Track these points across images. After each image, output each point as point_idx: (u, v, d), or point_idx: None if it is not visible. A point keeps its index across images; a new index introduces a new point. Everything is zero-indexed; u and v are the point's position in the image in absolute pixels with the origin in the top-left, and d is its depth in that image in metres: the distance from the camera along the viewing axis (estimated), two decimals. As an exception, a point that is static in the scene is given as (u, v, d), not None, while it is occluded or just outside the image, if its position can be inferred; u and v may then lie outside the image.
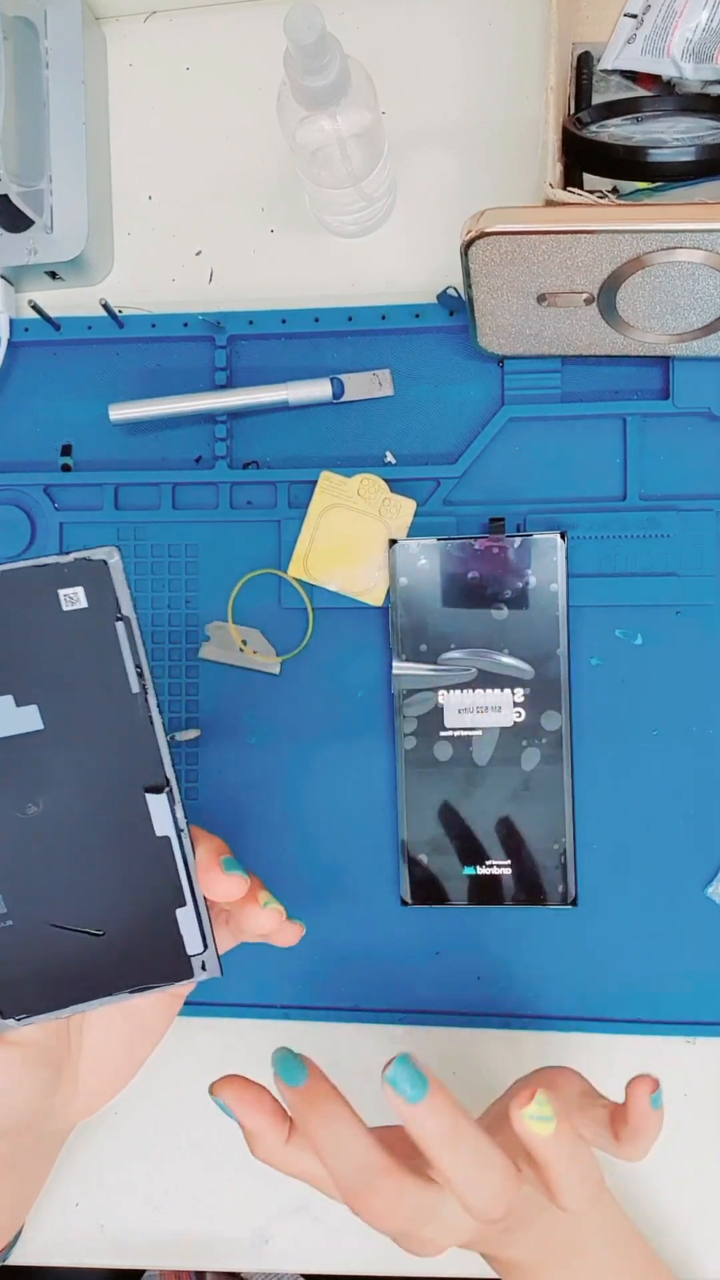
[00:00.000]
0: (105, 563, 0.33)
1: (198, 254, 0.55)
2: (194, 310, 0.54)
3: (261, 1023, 0.51)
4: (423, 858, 0.50)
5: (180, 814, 0.35)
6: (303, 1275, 0.60)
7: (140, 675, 0.34)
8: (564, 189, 0.44)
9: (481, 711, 0.49)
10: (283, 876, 0.51)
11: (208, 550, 0.53)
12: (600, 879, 0.50)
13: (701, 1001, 0.49)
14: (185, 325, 0.53)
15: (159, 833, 0.35)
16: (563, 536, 0.48)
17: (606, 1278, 0.41)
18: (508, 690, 0.49)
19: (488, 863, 0.49)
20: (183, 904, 0.35)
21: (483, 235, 0.41)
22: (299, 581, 0.52)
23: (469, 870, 0.49)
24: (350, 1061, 0.51)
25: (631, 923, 0.50)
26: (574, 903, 0.49)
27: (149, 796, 0.35)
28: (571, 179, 0.48)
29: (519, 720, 0.49)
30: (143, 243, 0.55)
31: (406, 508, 0.51)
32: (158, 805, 0.35)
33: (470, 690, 0.49)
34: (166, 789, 0.35)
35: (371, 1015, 0.50)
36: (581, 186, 0.48)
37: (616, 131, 0.47)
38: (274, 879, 0.51)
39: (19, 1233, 0.48)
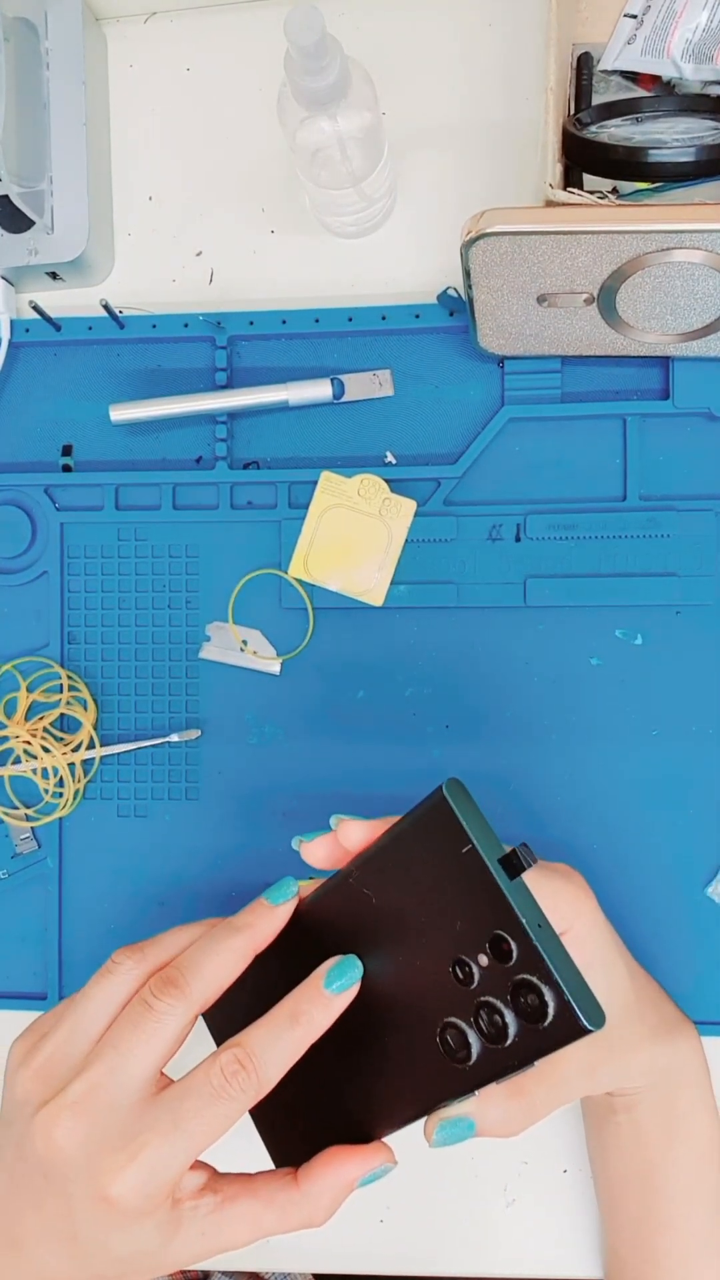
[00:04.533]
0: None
1: (198, 254, 0.55)
2: (194, 311, 0.54)
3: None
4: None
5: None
6: (312, 1275, 0.60)
7: None
8: (564, 189, 0.44)
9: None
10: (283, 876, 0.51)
11: (208, 550, 0.53)
12: (600, 878, 0.50)
13: (701, 1001, 0.49)
14: (186, 326, 0.53)
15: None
16: None
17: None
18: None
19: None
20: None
21: (483, 235, 0.41)
22: (299, 581, 0.52)
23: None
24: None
25: (631, 922, 0.50)
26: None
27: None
28: (571, 179, 0.48)
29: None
30: (143, 243, 0.55)
31: (406, 508, 0.51)
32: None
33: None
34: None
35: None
36: (581, 187, 0.48)
37: (616, 132, 0.47)
38: (274, 879, 0.51)
39: None
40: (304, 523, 0.51)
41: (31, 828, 0.53)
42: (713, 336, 0.47)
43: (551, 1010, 0.30)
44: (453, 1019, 0.33)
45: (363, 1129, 0.35)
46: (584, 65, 0.51)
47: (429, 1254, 0.50)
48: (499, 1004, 0.31)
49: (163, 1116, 0.32)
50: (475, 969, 0.32)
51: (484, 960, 0.32)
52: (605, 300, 0.44)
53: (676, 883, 0.50)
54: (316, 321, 0.52)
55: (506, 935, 0.31)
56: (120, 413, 0.52)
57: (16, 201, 0.50)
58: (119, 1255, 0.33)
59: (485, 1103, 0.34)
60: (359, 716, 0.52)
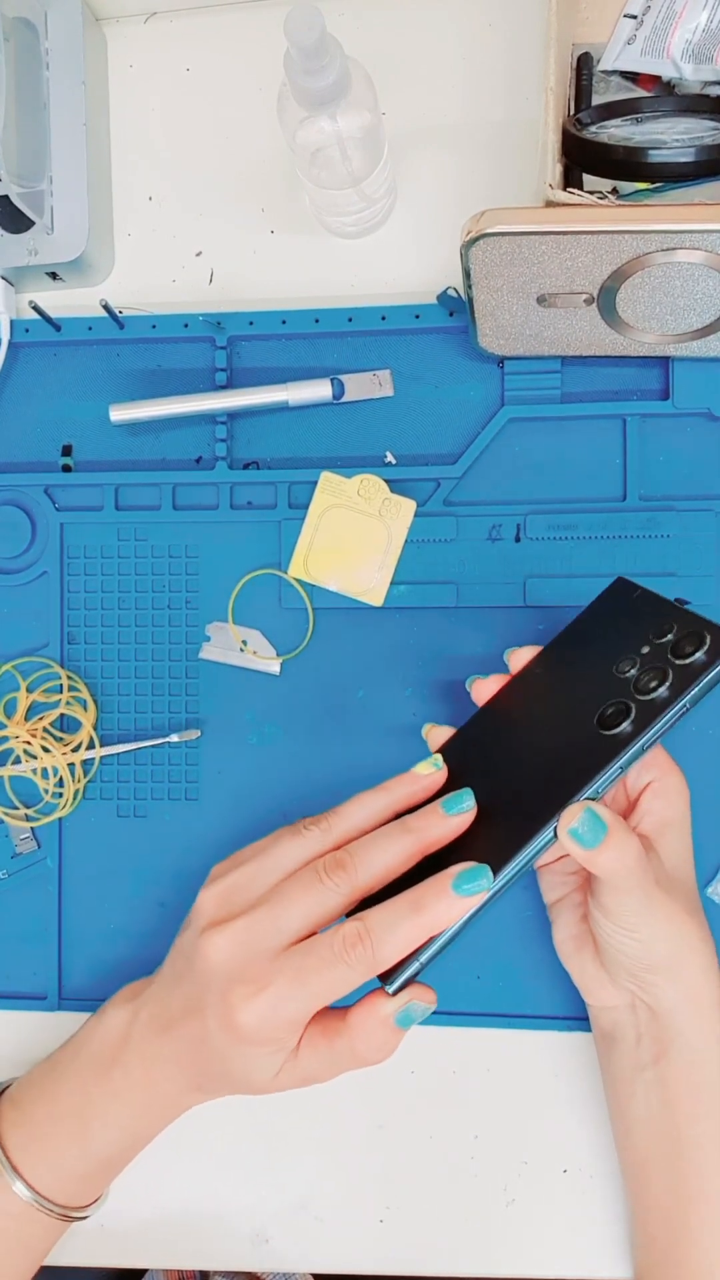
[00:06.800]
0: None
1: (198, 255, 0.55)
2: (194, 311, 0.54)
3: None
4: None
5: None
6: (312, 1275, 0.60)
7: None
8: (564, 190, 0.44)
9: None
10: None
11: (208, 550, 0.53)
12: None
13: (701, 1001, 0.49)
14: (185, 326, 0.53)
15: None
16: None
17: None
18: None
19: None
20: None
21: (483, 236, 0.41)
22: (299, 581, 0.52)
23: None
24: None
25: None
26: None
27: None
28: (571, 180, 0.49)
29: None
30: (143, 243, 0.56)
31: (406, 508, 0.51)
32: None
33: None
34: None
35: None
36: (581, 187, 0.48)
37: (616, 132, 0.47)
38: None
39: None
40: (304, 523, 0.51)
41: (31, 828, 0.53)
42: (713, 336, 0.47)
43: (709, 637, 0.37)
44: (613, 699, 0.38)
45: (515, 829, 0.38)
46: (584, 65, 0.51)
47: (429, 1254, 0.50)
48: (659, 663, 0.38)
49: (289, 966, 0.37)
50: (636, 659, 0.39)
51: (645, 649, 0.39)
52: (605, 300, 0.44)
53: (676, 883, 0.49)
54: (316, 321, 0.52)
55: (669, 618, 0.39)
56: (120, 413, 0.52)
57: (16, 201, 0.50)
58: (235, 1067, 0.39)
59: (615, 823, 0.37)
60: (359, 716, 0.52)
